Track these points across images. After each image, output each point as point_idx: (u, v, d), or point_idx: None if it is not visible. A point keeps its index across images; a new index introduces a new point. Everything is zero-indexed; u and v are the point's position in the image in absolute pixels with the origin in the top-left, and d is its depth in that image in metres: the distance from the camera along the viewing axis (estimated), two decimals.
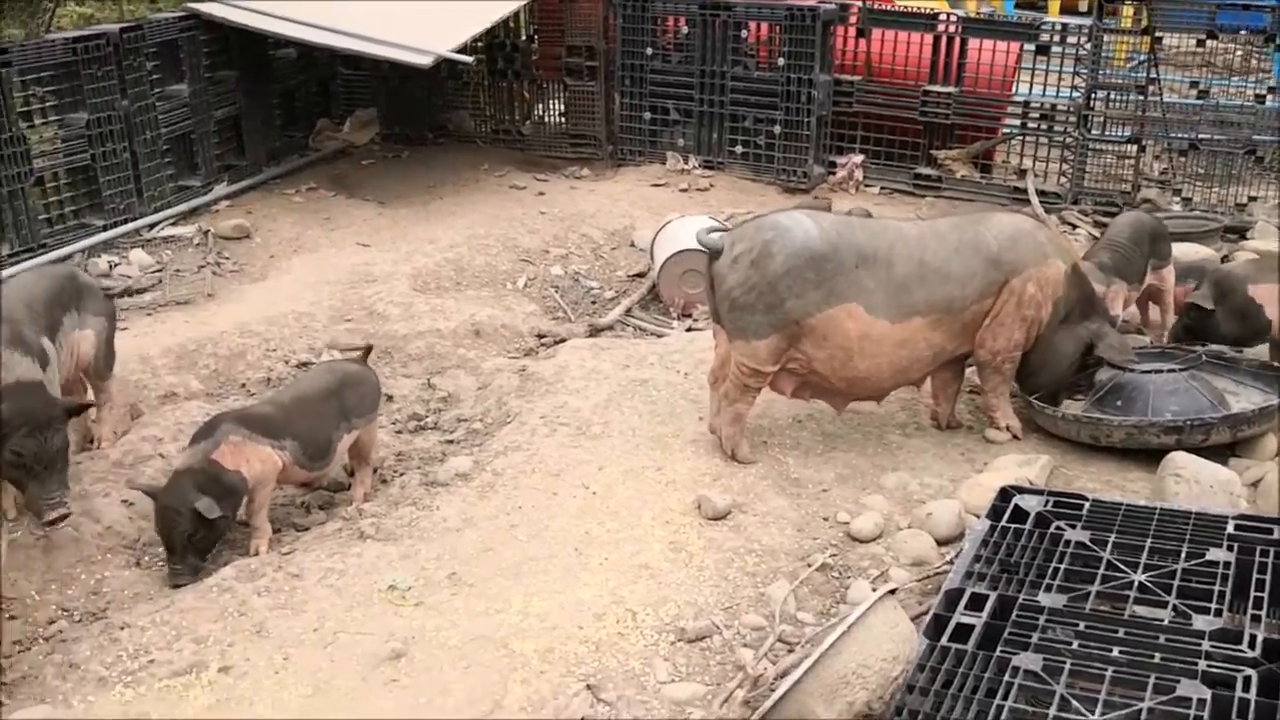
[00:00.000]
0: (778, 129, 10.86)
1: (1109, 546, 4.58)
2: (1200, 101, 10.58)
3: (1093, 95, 10.39)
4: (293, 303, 7.69)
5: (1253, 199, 10.25)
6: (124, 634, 4.49)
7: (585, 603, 4.70)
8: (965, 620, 4.16)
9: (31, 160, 8.26)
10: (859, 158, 11.05)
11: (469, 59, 10.47)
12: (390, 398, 6.72)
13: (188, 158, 9.83)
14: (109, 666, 4.31)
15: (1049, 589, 4.34)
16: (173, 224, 9.27)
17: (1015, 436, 6.21)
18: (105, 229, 8.80)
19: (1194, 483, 5.32)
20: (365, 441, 5.79)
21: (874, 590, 4.84)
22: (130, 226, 8.97)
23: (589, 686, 4.22)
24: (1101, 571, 4.42)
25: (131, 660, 4.34)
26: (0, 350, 4.95)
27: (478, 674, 4.26)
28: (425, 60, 9.55)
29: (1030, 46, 10.60)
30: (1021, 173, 10.89)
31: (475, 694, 4.17)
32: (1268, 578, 4.31)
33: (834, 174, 11.06)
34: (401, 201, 10.32)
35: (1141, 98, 10.30)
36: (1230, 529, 4.64)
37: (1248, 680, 3.72)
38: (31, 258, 8.23)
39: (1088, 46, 10.25)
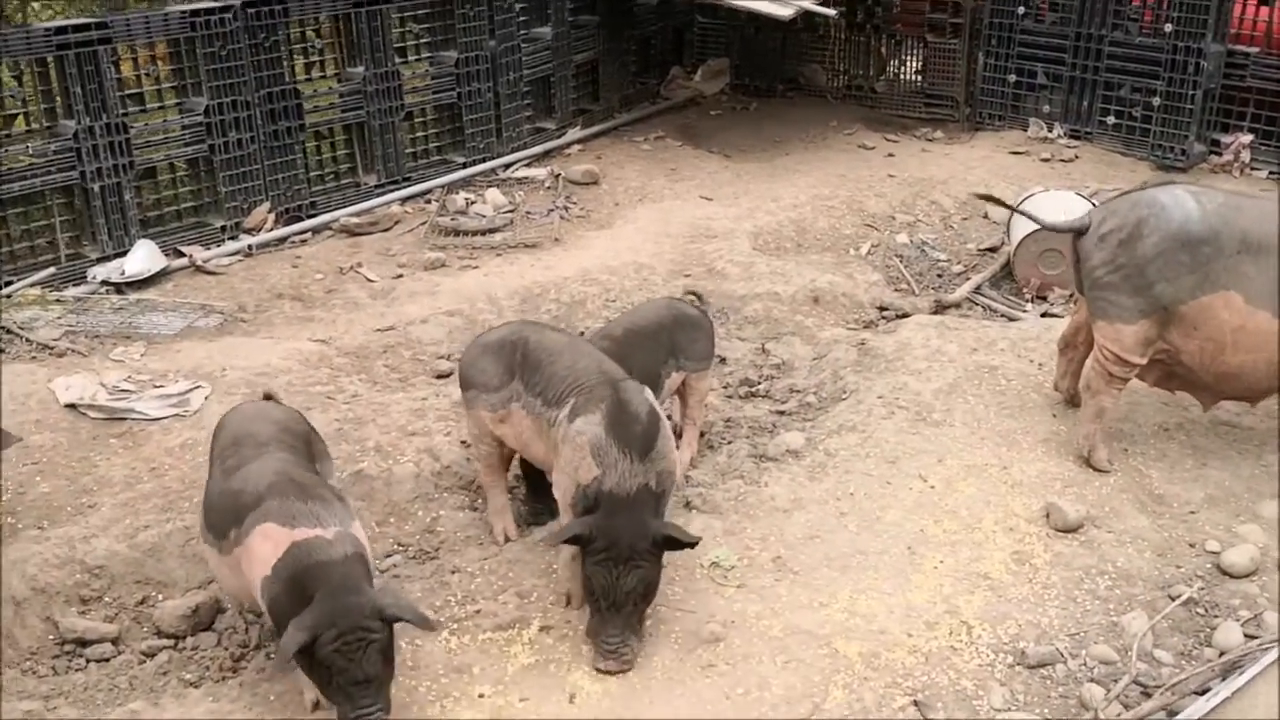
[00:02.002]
0: (1157, 100, 9.94)
1: None
2: None
3: None
4: (634, 253, 7.68)
5: None
6: (454, 579, 4.58)
7: (916, 608, 4.41)
8: None
9: (403, 96, 8.62)
10: (1247, 138, 9.97)
11: (830, 11, 10.12)
12: (723, 360, 6.58)
13: (545, 100, 10.03)
14: (438, 610, 4.40)
15: None
16: (527, 165, 9.49)
17: None
18: (465, 166, 9.11)
19: None
20: (694, 389, 5.59)
21: (1246, 637, 4.32)
22: (488, 165, 9.25)
23: (916, 703, 3.95)
24: None
25: (459, 607, 4.42)
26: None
27: (798, 671, 4.07)
28: (787, 11, 9.30)
29: None
30: None
31: (794, 693, 3.98)
32: None
33: (1217, 154, 10.04)
34: (747, 155, 10.16)
35: None
36: None
37: None
38: (397, 189, 8.63)
39: None
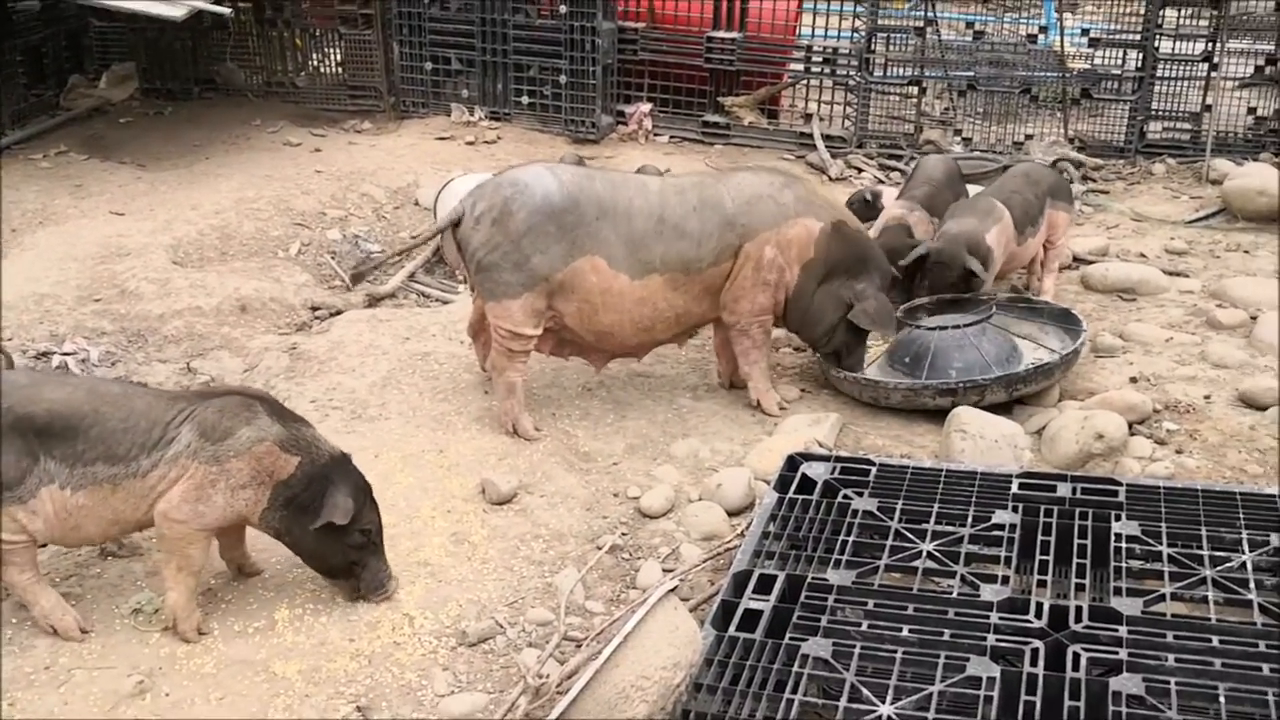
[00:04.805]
0: (563, 79, 10.52)
1: (896, 514, 4.51)
2: (976, 41, 10.73)
3: (873, 37, 10.38)
4: (34, 283, 6.99)
5: (1029, 137, 10.46)
6: None
7: (357, 612, 4.35)
8: (753, 605, 4.01)
9: None
10: (647, 107, 10.83)
11: (225, 9, 9.74)
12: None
13: None
14: None
15: (838, 565, 4.23)
16: None
17: (782, 408, 6.01)
18: None
19: (979, 438, 5.30)
20: None
21: (664, 572, 4.67)
22: None
23: (359, 708, 3.90)
24: (890, 543, 4.34)
25: None
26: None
27: (234, 704, 3.88)
28: (177, 12, 8.84)
29: None
30: (807, 117, 10.84)
31: None
32: (1052, 540, 4.29)
33: (623, 124, 10.80)
34: (163, 163, 9.59)
35: (920, 39, 10.35)
36: (1015, 488, 4.62)
37: (1035, 653, 3.67)
38: None
39: None
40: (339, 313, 7.25)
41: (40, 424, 4.02)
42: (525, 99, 10.80)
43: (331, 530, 4.19)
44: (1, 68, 9.93)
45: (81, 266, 7.35)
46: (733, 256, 5.69)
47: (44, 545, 4.27)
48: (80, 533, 4.16)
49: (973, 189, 7.88)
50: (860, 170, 9.95)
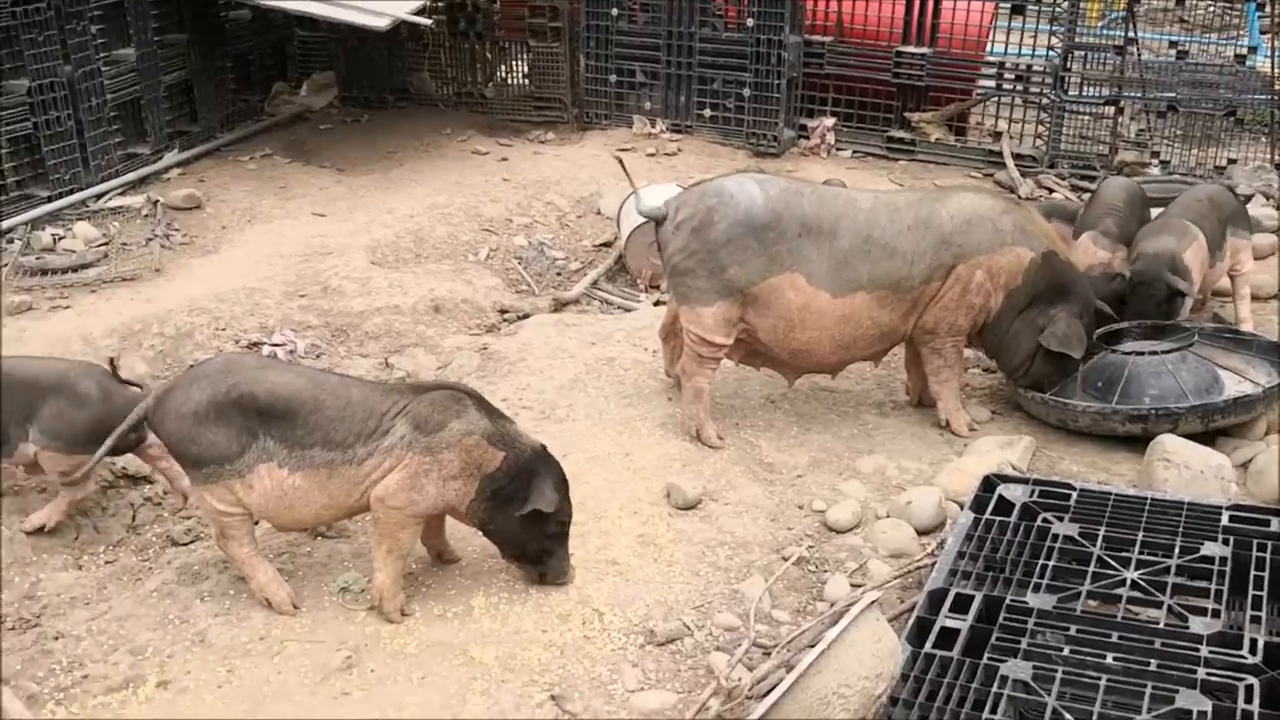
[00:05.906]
0: (747, 92, 10.54)
1: (1099, 541, 4.40)
2: (1179, 61, 10.38)
3: (1069, 55, 10.13)
4: (244, 278, 7.36)
5: (1232, 161, 10.05)
6: (58, 645, 4.21)
7: (549, 603, 4.46)
8: (950, 624, 3.97)
9: None
10: (830, 121, 10.76)
11: (427, 20, 10.08)
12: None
13: (136, 124, 9.42)
14: (40, 682, 4.03)
15: (1037, 589, 4.15)
16: (121, 194, 8.88)
17: (972, 429, 5.91)
18: (50, 200, 8.39)
19: (1184, 468, 5.12)
20: (48, 470, 4.87)
21: (852, 586, 4.65)
22: (76, 197, 8.56)
23: (553, 697, 3.99)
24: (1092, 569, 4.24)
25: (65, 674, 4.06)
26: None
27: (435, 685, 4.02)
28: (381, 23, 9.19)
29: (1005, 5, 10.33)
30: (996, 135, 10.63)
31: (432, 707, 3.92)
32: (1265, 575, 4.13)
33: (805, 138, 10.77)
34: (360, 168, 9.96)
35: (1119, 58, 10.06)
36: (1225, 520, 4.46)
37: (1250, 689, 3.54)
38: None
39: (1064, 5, 9.98)
40: (526, 316, 7.42)
41: (262, 404, 4.25)
42: (707, 111, 10.85)
43: (535, 518, 4.36)
44: (214, 73, 10.44)
45: (288, 263, 7.70)
46: (944, 276, 5.62)
47: (258, 522, 4.49)
48: (293, 513, 4.36)
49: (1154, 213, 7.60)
50: (1050, 190, 9.70)
